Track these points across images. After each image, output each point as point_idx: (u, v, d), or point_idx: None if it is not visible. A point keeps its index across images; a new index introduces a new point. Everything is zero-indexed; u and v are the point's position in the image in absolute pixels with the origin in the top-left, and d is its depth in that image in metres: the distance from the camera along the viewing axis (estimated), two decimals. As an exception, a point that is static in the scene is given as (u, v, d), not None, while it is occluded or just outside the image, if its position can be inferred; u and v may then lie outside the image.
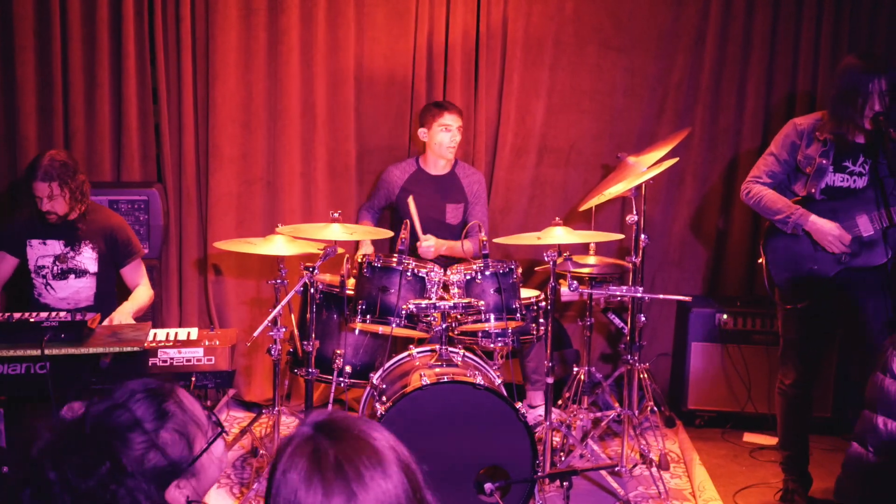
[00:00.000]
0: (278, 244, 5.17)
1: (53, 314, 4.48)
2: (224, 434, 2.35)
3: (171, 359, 4.48)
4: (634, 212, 5.44)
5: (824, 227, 4.95)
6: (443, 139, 6.04)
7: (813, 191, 5.05)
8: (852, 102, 4.91)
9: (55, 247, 5.30)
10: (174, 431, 2.23)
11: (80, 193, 5.23)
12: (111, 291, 5.49)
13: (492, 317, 4.96)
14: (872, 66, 4.89)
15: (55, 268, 5.30)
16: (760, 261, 5.30)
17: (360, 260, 5.05)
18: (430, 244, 5.86)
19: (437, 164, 6.19)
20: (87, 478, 2.08)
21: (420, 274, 5.00)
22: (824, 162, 5.04)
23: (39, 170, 5.08)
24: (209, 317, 6.46)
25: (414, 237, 5.79)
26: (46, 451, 2.10)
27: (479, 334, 5.24)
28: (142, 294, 5.45)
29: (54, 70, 6.07)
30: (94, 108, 6.16)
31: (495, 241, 5.43)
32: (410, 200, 5.78)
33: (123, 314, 5.18)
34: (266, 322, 4.80)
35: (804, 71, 6.57)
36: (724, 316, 6.19)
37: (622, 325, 5.78)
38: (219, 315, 6.47)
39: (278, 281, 5.21)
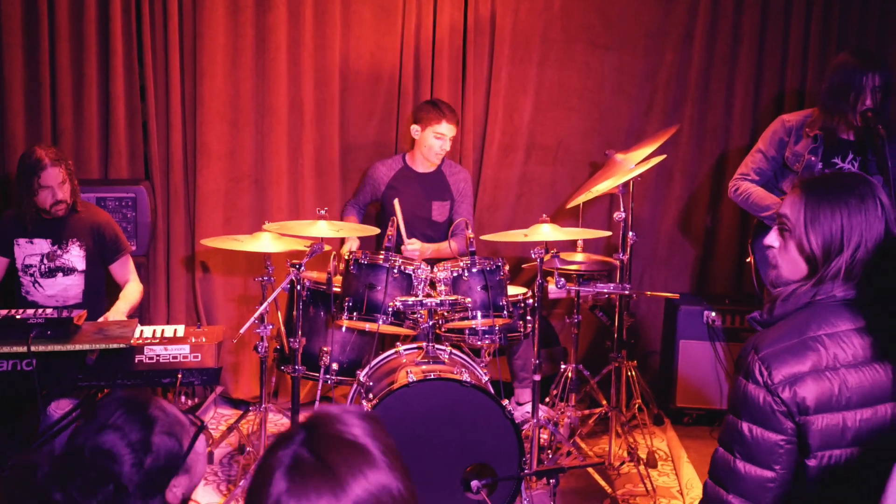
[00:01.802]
0: (265, 241, 5.17)
1: (40, 311, 4.48)
2: (205, 429, 2.38)
3: (158, 356, 4.47)
4: (622, 209, 5.44)
5: (812, 225, 4.93)
6: (433, 145, 6.01)
7: (801, 188, 5.05)
8: (845, 97, 4.94)
9: (42, 245, 5.29)
10: (163, 434, 2.31)
11: (75, 178, 5.28)
12: (100, 289, 5.49)
13: (479, 314, 4.95)
14: (867, 63, 4.93)
15: (43, 266, 5.29)
16: (749, 259, 5.30)
17: (346, 256, 5.04)
18: (414, 248, 5.82)
19: (424, 163, 6.17)
20: (91, 497, 2.17)
21: (407, 271, 4.98)
22: (813, 158, 5.04)
23: (44, 159, 5.10)
24: (197, 314, 6.45)
25: (400, 237, 5.78)
26: (51, 476, 2.19)
27: (467, 331, 5.24)
28: (133, 291, 5.45)
29: (42, 68, 6.06)
30: (82, 105, 6.15)
31: (482, 238, 5.43)
32: (396, 203, 5.73)
33: (118, 314, 5.19)
34: (252, 319, 4.80)
35: (793, 68, 6.57)
36: (713, 313, 6.17)
37: (610, 322, 5.78)
38: (206, 312, 6.47)
39: (265, 278, 5.21)
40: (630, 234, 5.53)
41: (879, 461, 2.45)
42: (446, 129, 5.98)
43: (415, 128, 6.07)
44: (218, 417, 6.30)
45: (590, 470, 5.34)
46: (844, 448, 2.47)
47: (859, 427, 2.47)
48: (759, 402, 2.49)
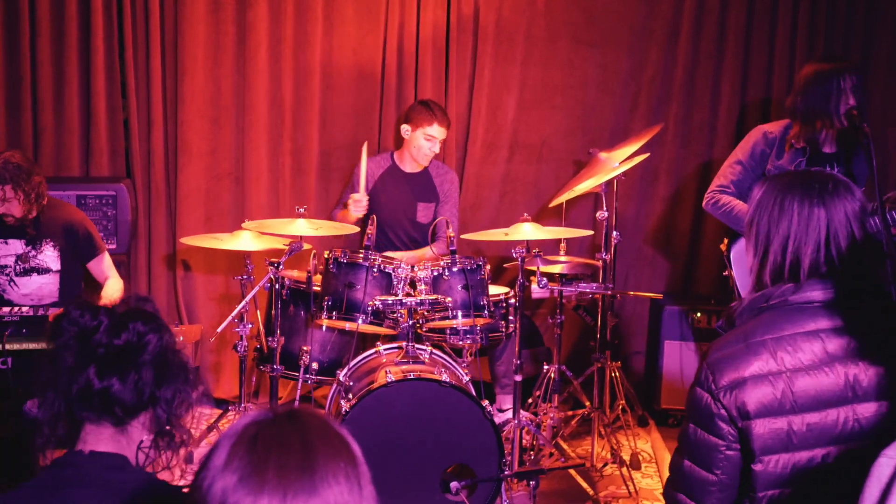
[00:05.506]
0: (245, 239, 5.14)
1: (15, 309, 4.46)
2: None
3: (132, 355, 4.43)
4: (604, 208, 5.40)
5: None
6: (422, 146, 5.96)
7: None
8: (826, 103, 4.83)
9: (16, 246, 5.26)
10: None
11: (36, 195, 5.14)
12: (76, 287, 5.45)
13: (459, 314, 4.90)
14: (841, 66, 4.84)
15: (18, 266, 5.26)
16: (726, 273, 5.23)
17: (326, 256, 4.99)
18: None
19: (412, 163, 6.12)
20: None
21: (387, 270, 4.94)
22: (796, 173, 4.98)
23: None
24: (178, 313, 6.42)
25: (381, 232, 5.75)
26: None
27: (448, 331, 5.20)
28: (113, 288, 5.42)
29: (23, 65, 6.05)
30: (63, 103, 6.14)
31: (463, 237, 5.40)
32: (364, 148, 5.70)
33: None
34: (230, 318, 4.76)
35: (780, 67, 6.53)
36: (698, 314, 6.13)
37: (594, 322, 5.74)
38: (188, 311, 6.44)
39: (244, 277, 5.16)
40: (614, 233, 5.49)
41: (831, 465, 2.42)
42: (437, 131, 5.93)
43: (405, 127, 6.02)
44: (199, 417, 6.24)
45: (572, 472, 5.30)
46: (793, 452, 2.43)
47: (806, 431, 2.42)
48: (701, 405, 2.48)
